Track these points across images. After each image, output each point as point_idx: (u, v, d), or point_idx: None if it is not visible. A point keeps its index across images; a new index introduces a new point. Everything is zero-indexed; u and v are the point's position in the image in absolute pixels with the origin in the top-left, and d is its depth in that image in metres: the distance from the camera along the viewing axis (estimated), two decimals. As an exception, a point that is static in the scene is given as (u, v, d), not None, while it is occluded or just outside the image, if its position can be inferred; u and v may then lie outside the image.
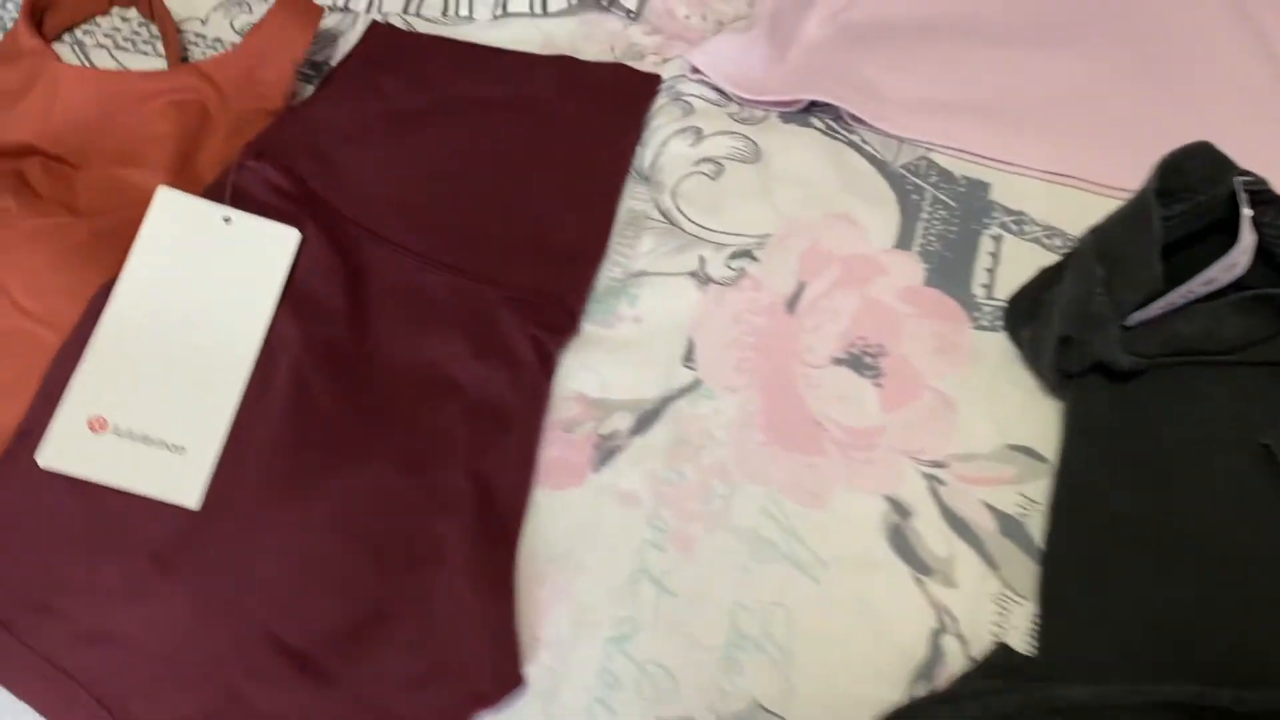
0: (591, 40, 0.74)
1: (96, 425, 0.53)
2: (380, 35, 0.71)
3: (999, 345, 0.62)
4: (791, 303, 0.63)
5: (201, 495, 0.53)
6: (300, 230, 0.60)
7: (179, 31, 0.73)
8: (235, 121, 0.66)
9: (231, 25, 0.75)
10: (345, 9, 0.75)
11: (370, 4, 0.75)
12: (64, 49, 0.73)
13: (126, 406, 0.54)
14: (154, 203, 0.58)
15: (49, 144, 0.64)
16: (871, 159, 0.69)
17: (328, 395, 0.56)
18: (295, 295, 0.58)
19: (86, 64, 0.72)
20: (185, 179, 0.64)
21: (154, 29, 0.74)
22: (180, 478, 0.53)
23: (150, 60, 0.73)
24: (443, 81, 0.68)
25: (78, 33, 0.75)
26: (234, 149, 0.65)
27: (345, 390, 0.56)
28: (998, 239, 0.66)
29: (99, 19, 0.75)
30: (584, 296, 0.62)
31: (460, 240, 0.61)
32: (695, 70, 0.72)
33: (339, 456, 0.54)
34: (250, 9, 0.75)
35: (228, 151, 0.65)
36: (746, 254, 0.65)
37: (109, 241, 0.60)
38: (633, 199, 0.67)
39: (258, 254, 0.59)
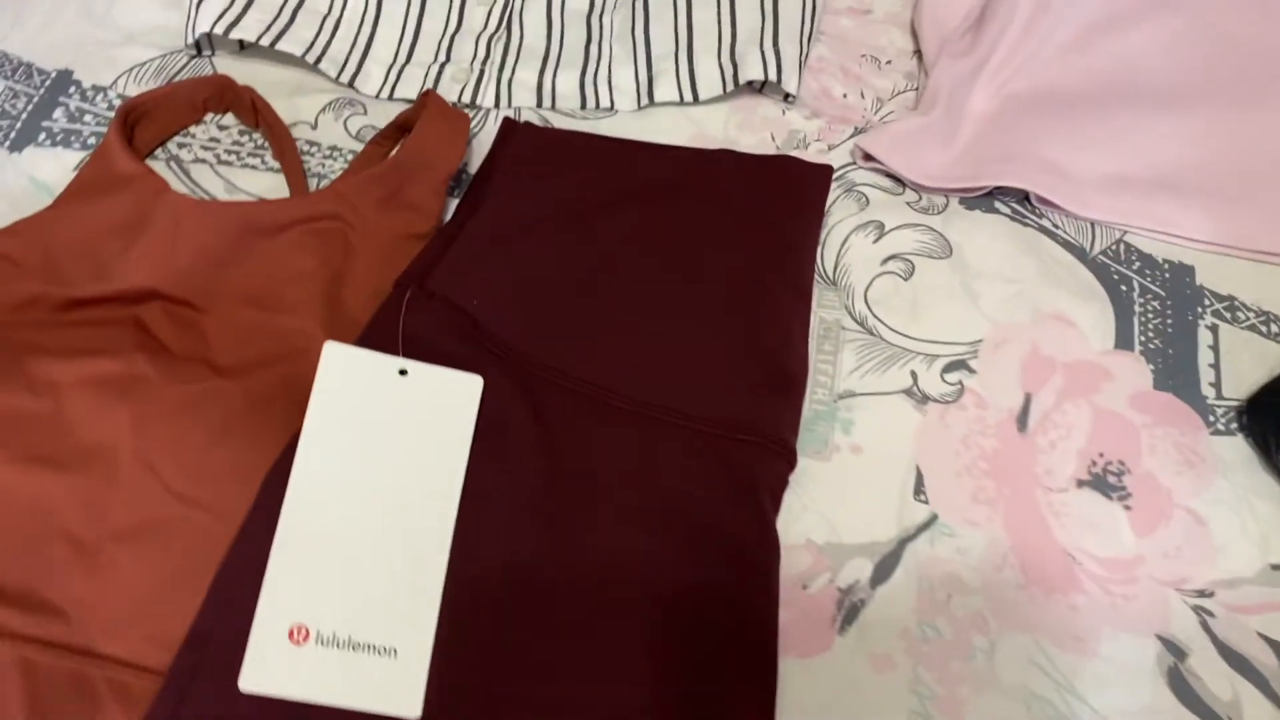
0: (748, 129, 0.67)
1: (298, 636, 0.46)
2: (524, 135, 0.64)
3: (1239, 451, 0.57)
4: (1021, 419, 0.57)
5: (420, 702, 0.46)
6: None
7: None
8: (381, 249, 0.58)
9: (346, 128, 0.67)
10: (473, 106, 0.68)
11: (499, 99, 0.68)
12: (159, 167, 0.65)
13: (326, 609, 0.47)
14: (323, 362, 0.50)
15: (172, 287, 0.57)
16: (1068, 246, 0.64)
17: (543, 564, 0.48)
18: (484, 449, 0.51)
19: (186, 182, 0.64)
20: (333, 321, 0.56)
21: (258, 138, 0.67)
22: (396, 685, 0.46)
23: (260, 175, 0.65)
24: (605, 184, 0.61)
25: (172, 147, 0.66)
26: (381, 281, 0.57)
27: (561, 559, 0.49)
28: (1214, 329, 0.60)
29: (193, 129, 0.67)
30: (798, 427, 0.55)
31: (653, 371, 0.55)
32: (867, 157, 0.65)
33: (571, 641, 0.47)
34: (365, 110, 0.68)
35: (375, 284, 0.57)
36: (961, 365, 0.59)
37: (267, 408, 0.53)
38: (822, 307, 0.61)
39: (440, 408, 0.52)
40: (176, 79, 0.70)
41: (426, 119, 0.60)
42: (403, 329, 0.54)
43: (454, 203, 0.64)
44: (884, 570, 0.53)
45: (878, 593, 0.53)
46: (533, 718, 0.45)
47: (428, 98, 0.62)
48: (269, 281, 0.57)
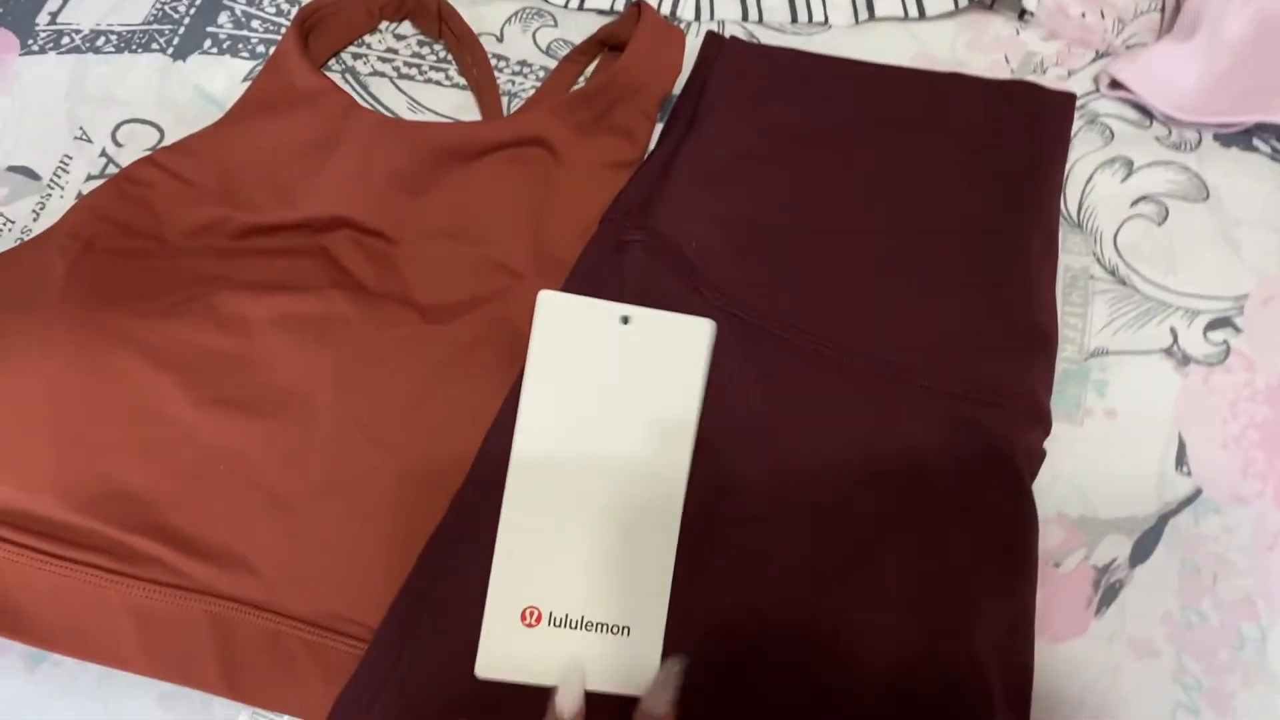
0: (978, 49, 0.61)
1: (530, 619, 0.43)
2: (731, 52, 0.58)
3: None
4: (1294, 386, 0.51)
5: (655, 682, 0.43)
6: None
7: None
8: (586, 179, 0.53)
9: (535, 41, 0.62)
10: (671, 17, 0.62)
11: (699, 10, 0.62)
12: (334, 80, 0.60)
13: (557, 589, 0.44)
14: (538, 313, 0.46)
15: (363, 215, 0.52)
16: (1338, 188, 0.57)
17: (786, 531, 0.44)
18: (713, 404, 0.47)
19: (366, 98, 0.59)
20: (538, 257, 0.51)
21: (439, 50, 0.61)
22: (631, 665, 0.43)
23: (445, 92, 0.60)
24: (823, 111, 0.55)
25: (346, 58, 0.61)
26: (586, 213, 0.52)
27: (790, 538, 0.45)
28: None
29: (368, 39, 0.62)
30: (1051, 387, 0.50)
31: (889, 326, 0.50)
32: (1113, 85, 0.59)
33: (806, 614, 0.43)
34: (555, 21, 0.62)
35: (580, 218, 0.52)
36: (1226, 322, 0.53)
37: (476, 355, 0.48)
38: (1067, 252, 0.55)
39: (667, 358, 0.47)
40: (347, -19, 0.65)
41: (641, 34, 0.54)
42: (611, 268, 0.50)
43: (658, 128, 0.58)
44: (1143, 548, 0.49)
45: (1137, 572, 0.48)
46: (775, 691, 0.42)
47: (640, 10, 0.56)
48: (468, 212, 0.53)
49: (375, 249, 0.52)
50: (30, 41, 0.63)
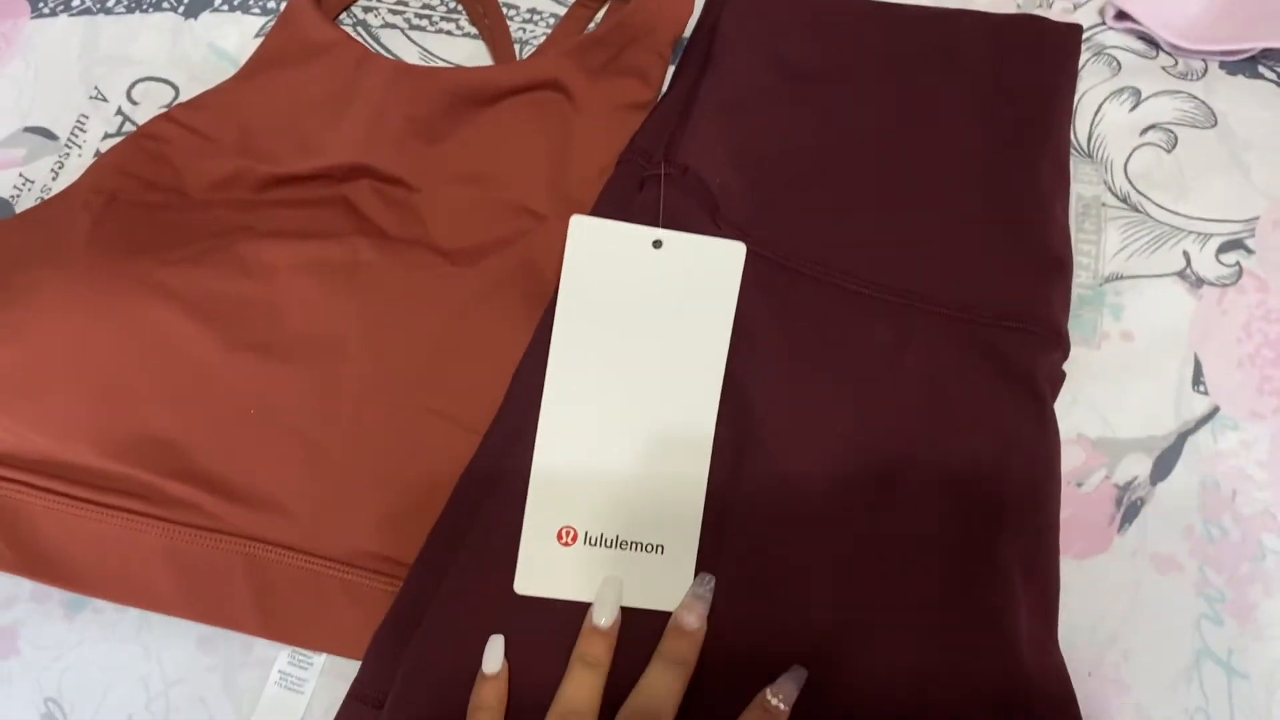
0: (986, -14, 0.61)
1: (565, 538, 0.43)
2: None
3: None
4: (1306, 304, 0.52)
5: (684, 600, 0.43)
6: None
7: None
8: (601, 120, 0.54)
9: (547, -11, 0.62)
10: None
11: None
12: (347, 33, 0.60)
13: (591, 508, 0.44)
14: (571, 237, 0.47)
15: (383, 162, 0.52)
16: (1347, 109, 0.57)
17: (812, 458, 0.45)
18: (735, 339, 0.47)
19: (377, 49, 0.60)
20: (558, 199, 0.52)
21: (450, 1, 0.62)
22: (666, 582, 0.43)
23: (457, 41, 0.61)
24: (836, 47, 0.55)
25: (357, 11, 0.62)
26: (603, 154, 0.53)
27: (816, 459, 0.46)
28: None
29: (378, -9, 0.62)
30: (1068, 310, 0.51)
31: (909, 257, 0.50)
32: (1119, 16, 0.59)
33: (833, 536, 0.44)
34: (576, -32, 0.62)
35: (597, 159, 0.53)
36: (1238, 244, 0.54)
37: (502, 295, 0.49)
38: (1079, 182, 0.56)
39: (699, 281, 0.48)
40: (354, -64, 0.65)
41: None
42: (639, 204, 0.50)
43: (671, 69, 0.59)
44: (1164, 466, 0.49)
45: (1158, 489, 0.49)
46: (800, 613, 0.42)
47: (650, -48, 0.57)
48: (487, 157, 0.53)
49: (396, 196, 0.53)
50: (41, 5, 0.64)
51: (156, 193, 0.52)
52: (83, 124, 0.59)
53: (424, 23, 0.61)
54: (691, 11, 0.56)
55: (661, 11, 0.55)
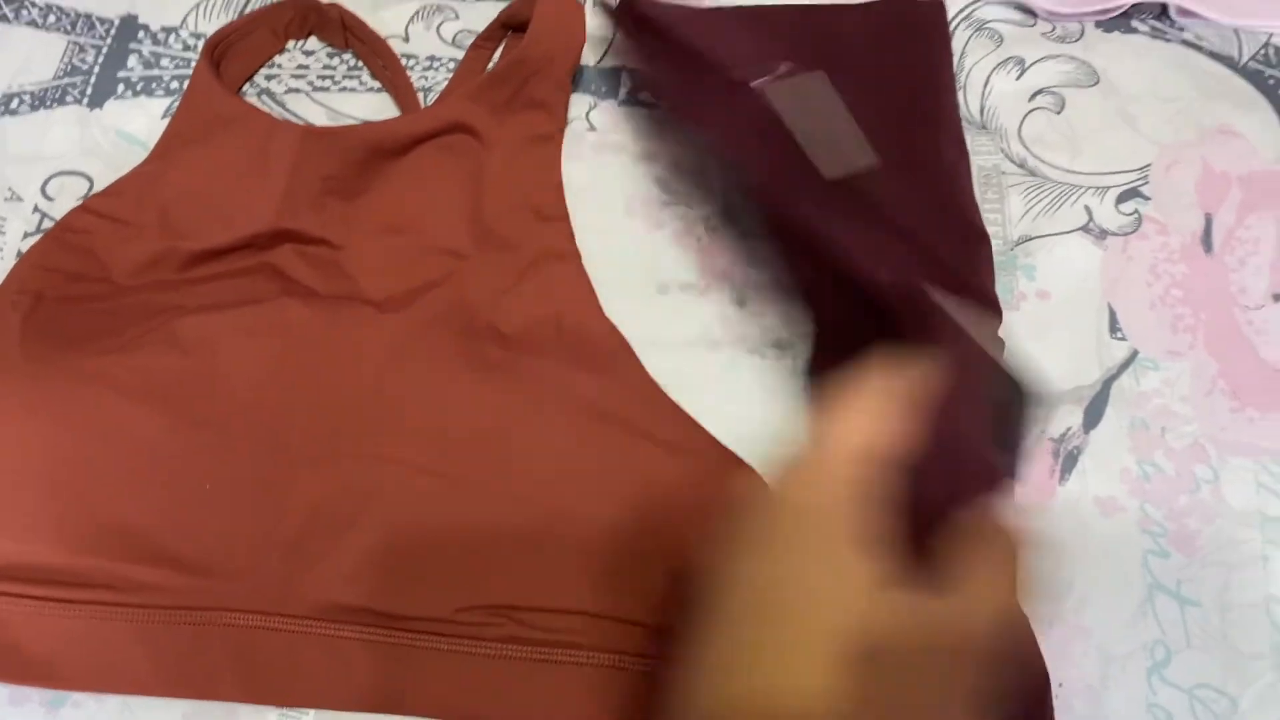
0: (860, -27, 0.63)
1: None
2: (641, 12, 0.59)
3: None
4: (1205, 240, 0.55)
5: None
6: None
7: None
8: (511, 155, 0.55)
9: (440, 35, 0.63)
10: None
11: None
12: (253, 103, 0.61)
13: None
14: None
15: (303, 225, 0.53)
16: (1216, 57, 0.60)
17: None
18: None
19: (285, 115, 0.61)
20: (480, 237, 0.53)
21: (349, 59, 0.63)
22: None
23: (361, 97, 0.62)
24: (736, 55, 0.57)
25: (260, 81, 0.63)
26: (517, 189, 0.54)
27: None
28: (1383, 124, 0.57)
29: (278, 60, 0.63)
30: (994, 278, 0.53)
31: (856, 238, 0.51)
32: (993, -11, 0.62)
33: None
34: (456, 14, 0.64)
35: (511, 194, 0.54)
36: (1134, 193, 0.56)
37: (430, 337, 0.51)
38: (977, 154, 0.58)
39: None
40: (247, 9, 0.66)
41: (541, 9, 0.56)
42: None
43: (574, 97, 0.60)
44: (1094, 413, 0.51)
45: (1091, 437, 0.51)
46: None
47: (538, -15, 0.58)
48: (405, 205, 0.54)
49: (320, 256, 0.54)
50: (-57, 114, 0.64)
51: (83, 284, 0.53)
52: (0, 226, 0.59)
53: (327, 83, 0.62)
54: (583, 41, 0.57)
55: (555, 44, 0.56)
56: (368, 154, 0.54)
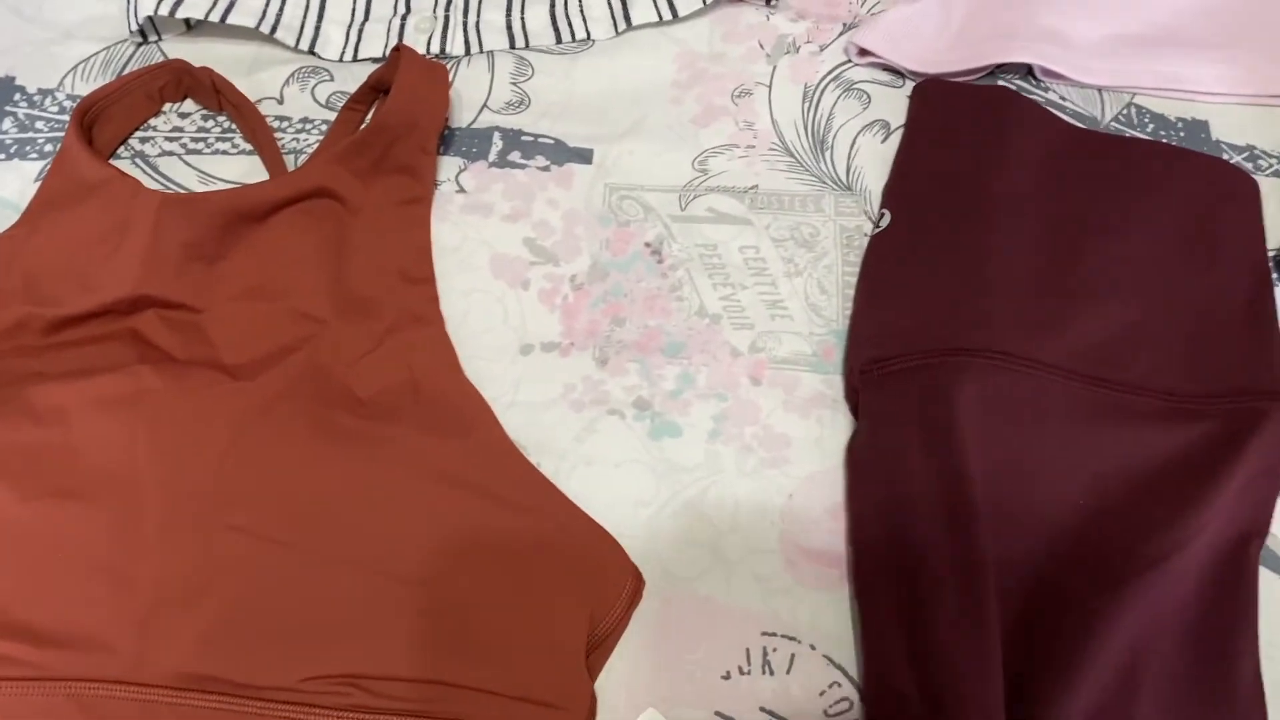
0: (734, 39, 0.65)
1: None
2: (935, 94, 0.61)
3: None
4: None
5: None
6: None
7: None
8: (376, 218, 0.55)
9: (314, 97, 0.64)
10: (443, 55, 0.64)
11: (468, 45, 0.65)
12: (125, 165, 0.61)
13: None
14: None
15: (163, 290, 0.53)
16: (1079, 116, 0.62)
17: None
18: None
19: (156, 178, 0.61)
20: (341, 299, 0.53)
21: (224, 121, 0.63)
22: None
23: (233, 160, 0.62)
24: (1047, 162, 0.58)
25: (134, 143, 0.63)
26: (381, 252, 0.55)
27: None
28: (1239, 180, 0.59)
29: (153, 122, 0.63)
30: None
31: (1146, 350, 0.52)
32: (862, 53, 0.63)
33: None
34: (331, 75, 0.64)
35: (376, 258, 0.54)
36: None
37: (283, 406, 0.51)
38: (841, 215, 0.59)
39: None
40: (125, 70, 0.66)
41: (403, 74, 0.57)
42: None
43: (444, 159, 0.60)
44: None
45: None
46: None
47: (400, 52, 0.59)
48: (265, 270, 0.54)
49: (180, 320, 0.53)
50: None
51: None
52: None
53: (200, 146, 0.63)
54: (447, 106, 0.58)
55: (419, 109, 0.57)
56: (228, 219, 0.54)
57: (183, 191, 0.60)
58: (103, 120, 0.61)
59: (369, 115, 0.63)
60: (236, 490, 0.48)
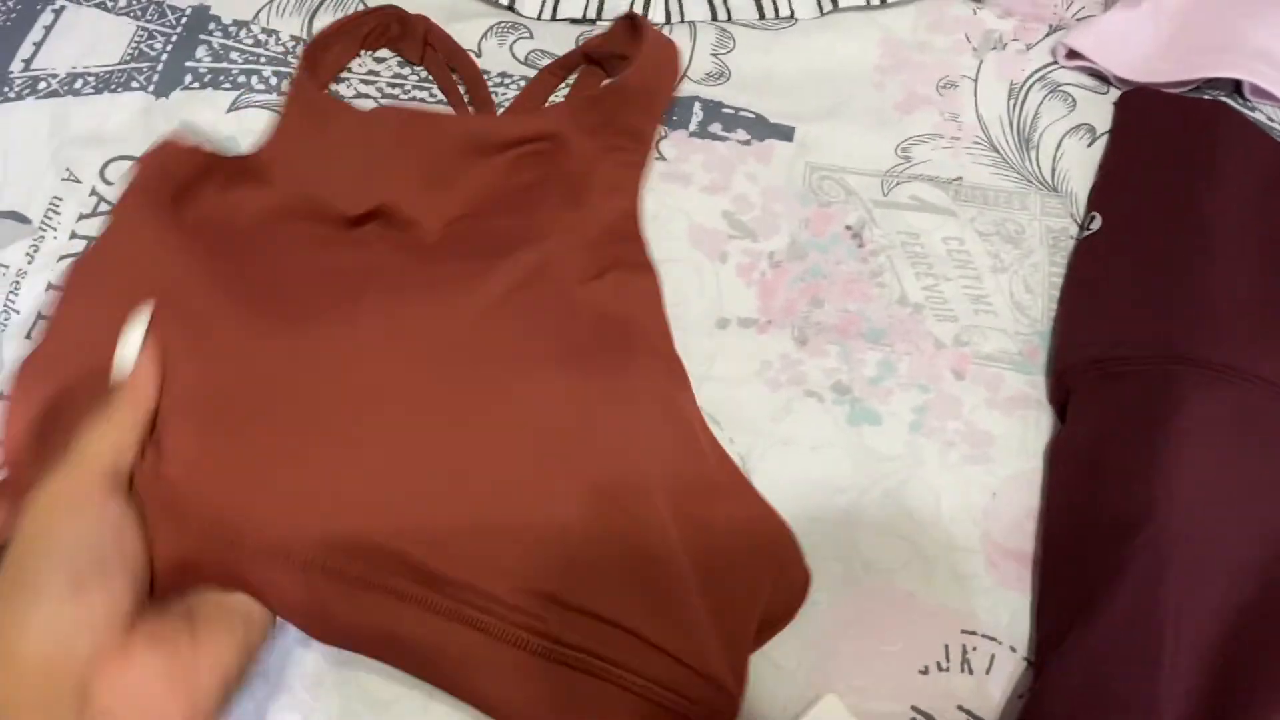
0: (939, 31, 0.64)
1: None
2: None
3: None
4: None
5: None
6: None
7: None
8: (597, 170, 0.55)
9: (513, 53, 0.63)
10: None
11: (669, 13, 0.64)
12: (327, 103, 0.61)
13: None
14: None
15: (396, 204, 0.53)
16: (1287, 140, 0.60)
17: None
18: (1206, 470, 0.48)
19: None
20: (567, 233, 0.52)
21: (421, 71, 0.63)
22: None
23: (431, 109, 0.61)
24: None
25: (332, 88, 0.62)
26: (606, 200, 0.54)
27: None
28: None
29: (349, 65, 0.63)
30: None
31: None
32: (1070, 55, 0.62)
33: None
34: (531, 33, 0.64)
35: (598, 210, 0.53)
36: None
37: (526, 293, 0.50)
38: (1048, 215, 0.58)
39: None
40: (320, 8, 0.66)
41: (650, 43, 0.57)
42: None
43: (668, 131, 0.59)
44: None
45: None
46: None
47: (640, 23, 0.59)
48: (495, 198, 0.54)
49: (407, 240, 0.53)
50: (6, 89, 0.63)
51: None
52: (56, 206, 0.58)
53: (396, 91, 0.62)
54: (679, 81, 0.58)
55: (657, 79, 0.57)
56: (466, 147, 0.54)
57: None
58: (321, 56, 0.61)
59: (570, 79, 0.62)
60: (468, 395, 0.47)
